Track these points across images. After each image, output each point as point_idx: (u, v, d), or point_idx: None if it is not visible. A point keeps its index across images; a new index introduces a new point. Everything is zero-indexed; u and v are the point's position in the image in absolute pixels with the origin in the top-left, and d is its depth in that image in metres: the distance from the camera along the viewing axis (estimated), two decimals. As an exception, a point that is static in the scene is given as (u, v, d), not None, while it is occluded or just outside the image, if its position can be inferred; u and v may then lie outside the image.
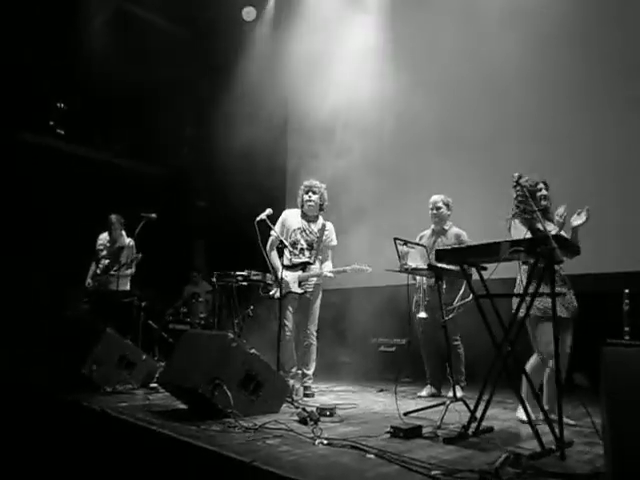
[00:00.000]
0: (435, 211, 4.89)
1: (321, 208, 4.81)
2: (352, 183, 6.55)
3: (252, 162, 7.29)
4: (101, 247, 6.07)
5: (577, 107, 5.47)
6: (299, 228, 4.74)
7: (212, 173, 8.19)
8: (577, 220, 3.37)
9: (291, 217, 4.79)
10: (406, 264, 4.46)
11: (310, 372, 4.66)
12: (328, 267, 4.75)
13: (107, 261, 5.93)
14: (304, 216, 4.78)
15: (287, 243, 4.61)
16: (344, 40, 7.31)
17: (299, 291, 4.64)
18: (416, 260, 4.65)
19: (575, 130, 5.40)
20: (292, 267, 4.66)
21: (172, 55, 8.52)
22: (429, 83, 6.34)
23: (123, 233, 6.09)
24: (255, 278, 5.12)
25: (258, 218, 4.57)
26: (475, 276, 3.22)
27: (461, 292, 4.76)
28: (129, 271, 5.96)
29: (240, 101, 7.77)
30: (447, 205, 4.90)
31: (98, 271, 5.95)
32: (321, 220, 4.84)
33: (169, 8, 8.35)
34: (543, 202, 3.56)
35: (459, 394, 4.46)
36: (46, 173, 7.60)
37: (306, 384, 4.61)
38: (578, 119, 5.40)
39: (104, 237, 6.14)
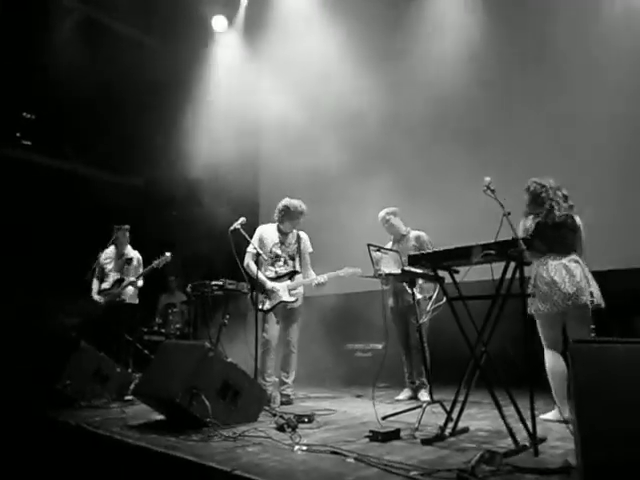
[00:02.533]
0: (386, 225, 5.11)
1: (295, 225, 4.91)
2: (326, 189, 6.61)
3: (225, 171, 7.29)
4: (108, 261, 5.90)
5: (571, 100, 5.55)
6: (277, 242, 4.83)
7: (185, 182, 8.14)
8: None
9: (267, 232, 4.88)
10: (380, 270, 4.53)
11: (290, 380, 4.68)
12: (313, 274, 4.83)
13: (117, 275, 5.78)
14: (280, 231, 4.88)
15: (265, 257, 4.68)
16: (315, 46, 7.38)
17: (291, 299, 4.70)
18: (389, 266, 4.74)
19: (557, 127, 5.57)
20: (278, 278, 4.74)
21: (141, 64, 8.45)
22: (407, 82, 6.48)
23: (129, 246, 5.98)
24: (230, 287, 5.11)
25: (232, 227, 4.61)
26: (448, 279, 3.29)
27: (434, 295, 4.85)
28: (139, 283, 5.84)
29: (211, 110, 7.77)
30: (393, 214, 5.11)
31: (107, 285, 5.78)
32: (295, 231, 4.93)
33: (138, 17, 8.29)
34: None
35: (425, 397, 4.55)
36: (13, 185, 7.45)
37: (285, 392, 4.62)
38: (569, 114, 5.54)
39: (110, 251, 5.96)
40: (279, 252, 4.80)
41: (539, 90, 5.76)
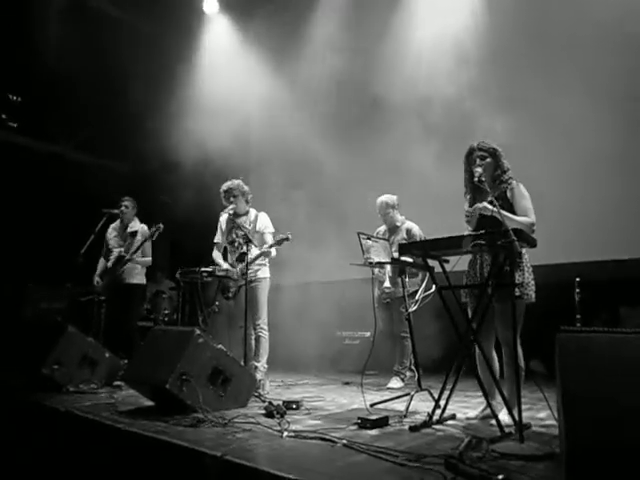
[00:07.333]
0: (383, 212, 5.06)
1: (247, 202, 4.85)
2: (316, 175, 6.60)
3: (214, 156, 7.23)
4: (113, 234, 5.43)
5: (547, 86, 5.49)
6: (233, 227, 4.82)
7: (176, 168, 8.08)
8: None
9: (225, 220, 4.89)
10: (370, 258, 4.55)
11: (259, 364, 4.56)
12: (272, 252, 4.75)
13: (120, 250, 5.28)
14: (235, 215, 4.83)
15: (224, 243, 4.82)
16: (309, 29, 7.32)
17: (242, 282, 4.65)
18: (379, 254, 4.76)
19: (539, 114, 5.49)
20: (236, 262, 4.75)
21: (130, 47, 8.31)
22: (394, 67, 6.41)
23: (136, 218, 5.50)
24: (220, 274, 5.10)
25: (223, 213, 4.64)
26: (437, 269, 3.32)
27: (423, 285, 4.89)
28: (146, 259, 5.39)
29: (201, 95, 7.68)
30: (392, 207, 5.05)
31: (109, 265, 5.32)
32: (253, 212, 4.88)
33: (127, -1, 8.16)
34: None
35: (399, 385, 4.61)
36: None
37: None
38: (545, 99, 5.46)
39: (116, 225, 5.50)
40: (234, 237, 4.80)
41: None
